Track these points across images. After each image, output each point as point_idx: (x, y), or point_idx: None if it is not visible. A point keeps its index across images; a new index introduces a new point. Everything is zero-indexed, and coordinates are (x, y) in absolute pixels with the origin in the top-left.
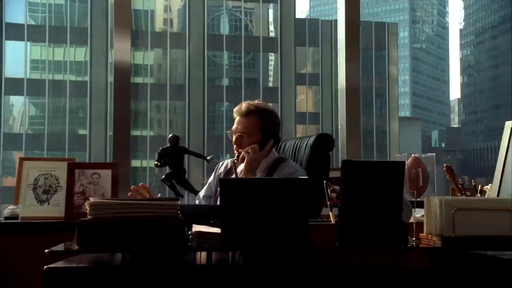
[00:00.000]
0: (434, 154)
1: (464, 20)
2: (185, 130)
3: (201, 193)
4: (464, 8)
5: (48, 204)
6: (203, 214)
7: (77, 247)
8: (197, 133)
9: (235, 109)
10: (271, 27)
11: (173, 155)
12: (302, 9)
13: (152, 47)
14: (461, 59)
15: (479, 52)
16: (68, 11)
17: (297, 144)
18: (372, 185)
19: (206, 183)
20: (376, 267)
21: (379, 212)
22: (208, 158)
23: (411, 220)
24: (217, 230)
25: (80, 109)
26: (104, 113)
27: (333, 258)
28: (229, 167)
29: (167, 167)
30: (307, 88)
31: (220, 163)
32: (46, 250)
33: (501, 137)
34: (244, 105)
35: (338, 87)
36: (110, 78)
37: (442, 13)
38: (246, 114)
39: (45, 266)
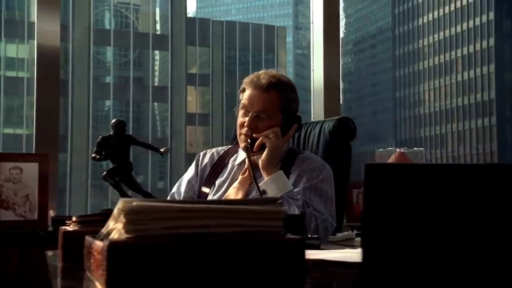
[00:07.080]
0: (422, 149)
1: (345, 29)
2: (66, 129)
3: (178, 193)
4: (345, 17)
5: None
6: None
7: None
8: (80, 132)
9: (248, 79)
10: (158, 26)
11: (117, 146)
12: (189, 9)
13: (28, 39)
14: (342, 66)
15: (359, 59)
16: None
17: (303, 131)
18: None
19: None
20: None
21: None
22: (162, 150)
23: None
24: None
25: None
26: None
27: None
28: (216, 159)
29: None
30: (196, 89)
31: (202, 154)
32: None
33: (379, 141)
34: (263, 76)
35: (313, 84)
36: None
37: None
38: (267, 88)
39: None
